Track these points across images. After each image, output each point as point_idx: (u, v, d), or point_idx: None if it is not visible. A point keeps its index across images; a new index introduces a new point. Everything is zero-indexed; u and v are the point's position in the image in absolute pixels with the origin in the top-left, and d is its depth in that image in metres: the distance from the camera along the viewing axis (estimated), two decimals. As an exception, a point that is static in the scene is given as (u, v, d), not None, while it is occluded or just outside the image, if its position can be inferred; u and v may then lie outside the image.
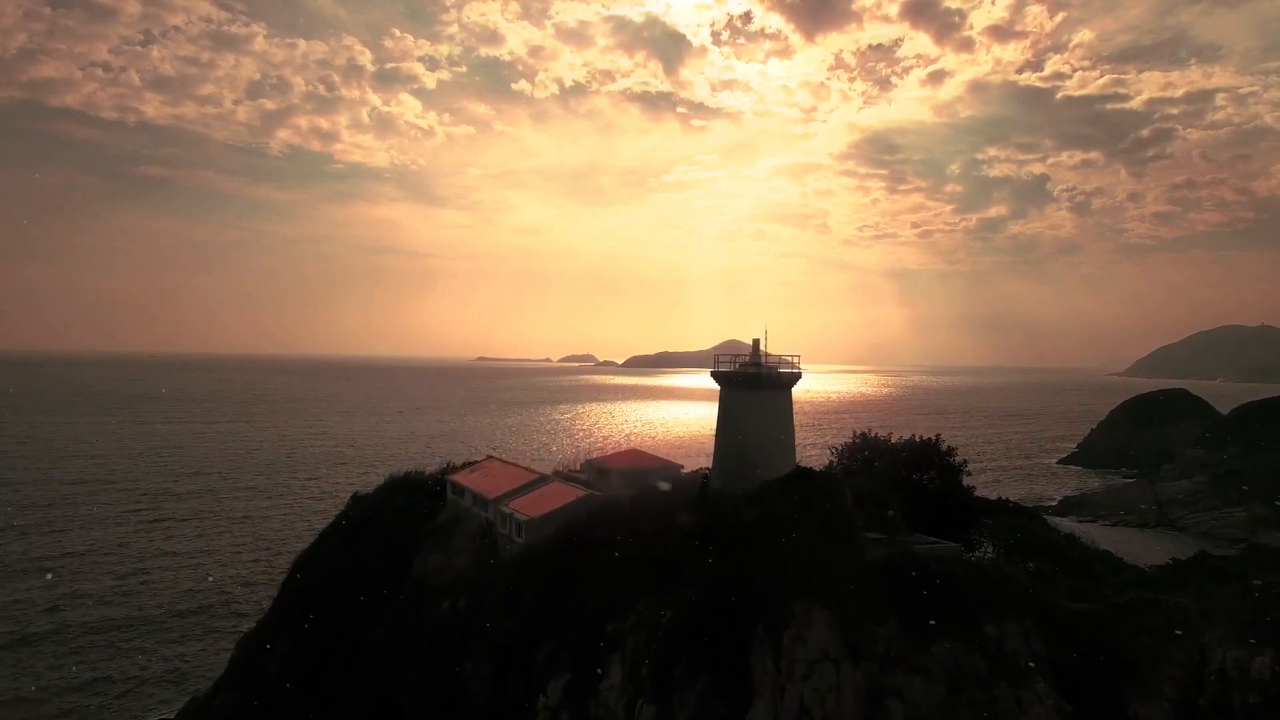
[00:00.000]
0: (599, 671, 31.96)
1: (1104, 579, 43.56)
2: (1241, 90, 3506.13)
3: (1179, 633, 31.49)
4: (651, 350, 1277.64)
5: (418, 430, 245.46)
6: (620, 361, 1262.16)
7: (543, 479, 47.92)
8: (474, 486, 48.36)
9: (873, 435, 57.87)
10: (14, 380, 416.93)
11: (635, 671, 31.14)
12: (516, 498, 44.72)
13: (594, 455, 54.22)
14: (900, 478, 49.68)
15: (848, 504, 37.68)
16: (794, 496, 35.83)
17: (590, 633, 33.22)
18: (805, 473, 39.34)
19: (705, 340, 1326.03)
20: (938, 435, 56.17)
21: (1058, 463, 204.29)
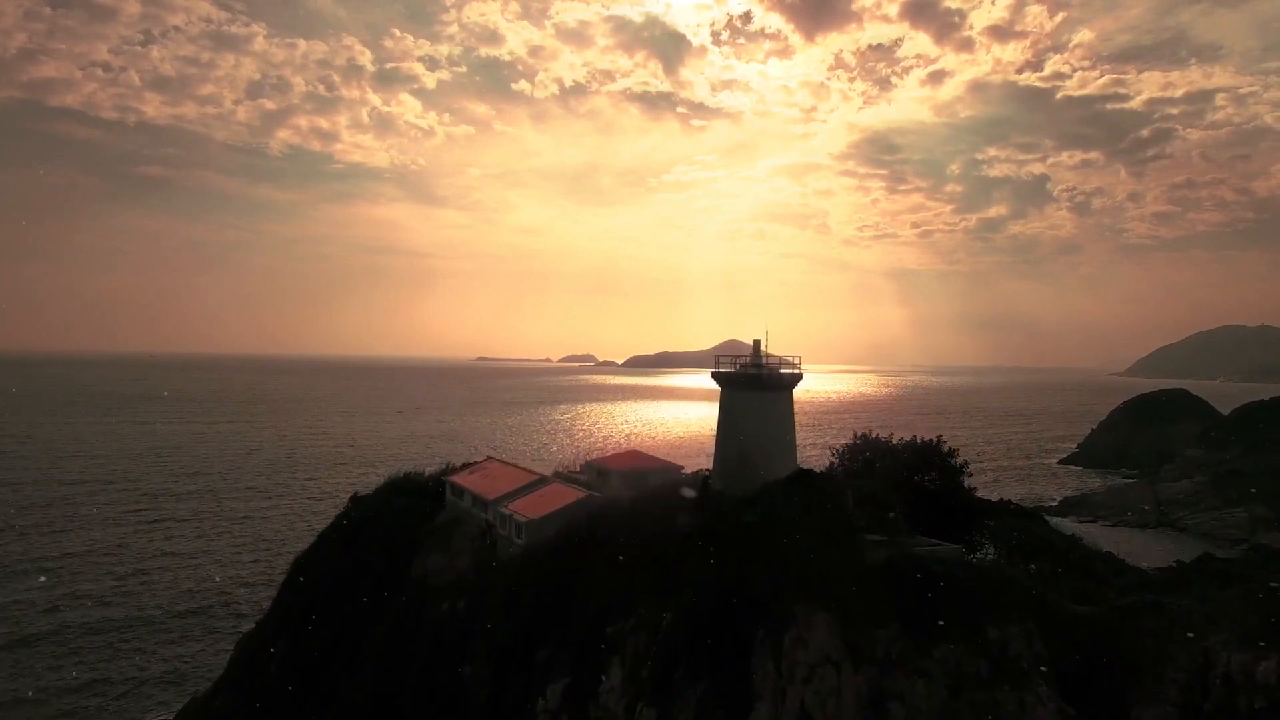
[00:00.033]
0: (599, 674, 31.86)
1: (1106, 581, 43.41)
2: (1241, 90, 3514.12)
3: (1190, 635, 31.27)
4: (651, 350, 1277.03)
5: (417, 430, 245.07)
6: (620, 362, 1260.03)
7: (542, 480, 47.81)
8: (474, 487, 48.22)
9: (873, 436, 57.52)
10: (14, 380, 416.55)
11: (635, 674, 31.05)
12: (516, 499, 44.60)
13: (594, 456, 54.08)
14: (901, 479, 49.29)
15: (849, 505, 37.63)
16: (795, 498, 35.75)
17: (590, 635, 33.12)
18: (806, 474, 39.28)
19: (705, 340, 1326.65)
20: (939, 436, 55.60)
21: (1058, 463, 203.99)
